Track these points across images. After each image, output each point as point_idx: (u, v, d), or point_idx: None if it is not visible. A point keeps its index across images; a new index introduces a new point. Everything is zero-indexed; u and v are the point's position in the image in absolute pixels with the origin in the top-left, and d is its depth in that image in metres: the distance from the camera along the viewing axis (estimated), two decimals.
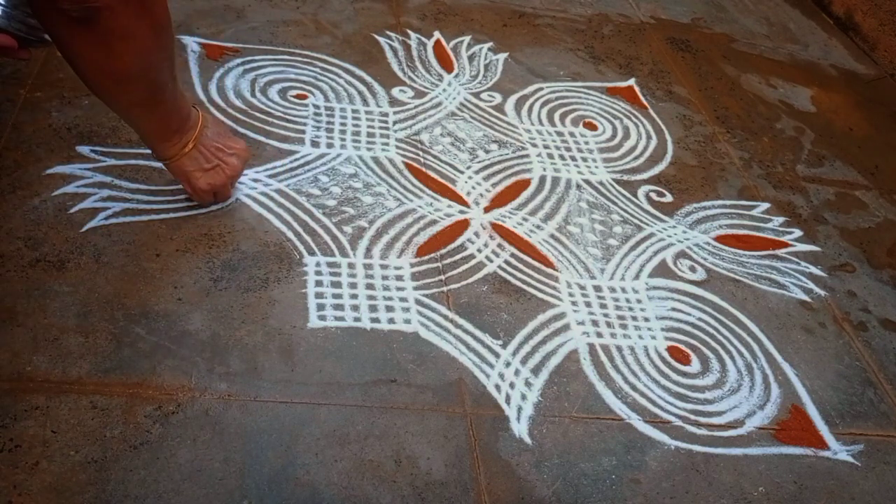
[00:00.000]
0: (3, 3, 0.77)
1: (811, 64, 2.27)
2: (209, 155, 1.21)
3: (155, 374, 1.07)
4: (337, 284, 1.26)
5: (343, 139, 1.54)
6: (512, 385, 1.18)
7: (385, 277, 1.29)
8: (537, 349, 1.24)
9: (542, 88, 1.85)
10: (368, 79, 1.71)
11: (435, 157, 1.56)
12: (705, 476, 1.13)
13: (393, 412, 1.11)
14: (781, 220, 1.65)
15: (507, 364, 1.21)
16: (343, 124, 1.58)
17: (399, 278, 1.29)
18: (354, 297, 1.24)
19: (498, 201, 1.50)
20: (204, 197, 1.26)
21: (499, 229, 1.43)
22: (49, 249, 1.19)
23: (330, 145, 1.52)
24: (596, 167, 1.65)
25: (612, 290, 1.38)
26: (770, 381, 1.30)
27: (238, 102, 1.55)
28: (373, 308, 1.23)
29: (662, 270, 1.44)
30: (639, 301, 1.37)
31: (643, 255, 1.46)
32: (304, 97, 1.61)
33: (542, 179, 1.58)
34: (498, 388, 1.17)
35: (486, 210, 1.47)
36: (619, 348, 1.28)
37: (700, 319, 1.37)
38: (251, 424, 1.04)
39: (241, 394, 1.08)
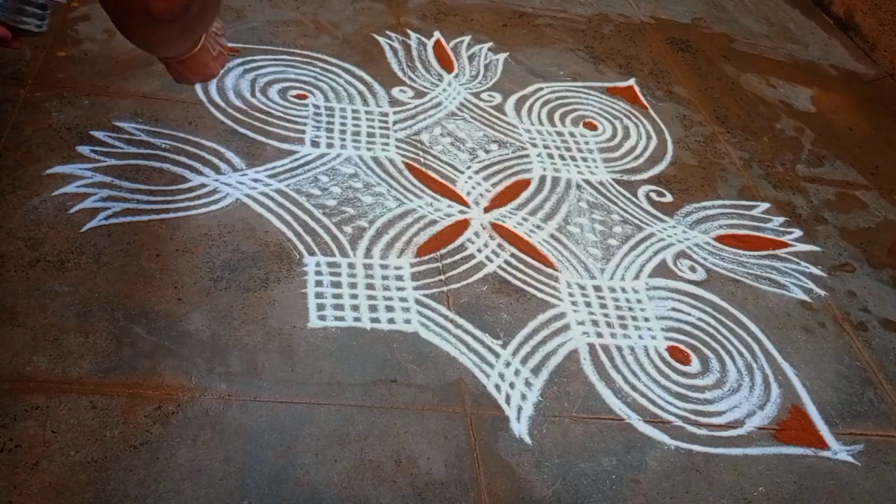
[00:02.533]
0: None
1: (811, 64, 2.27)
2: (213, 42, 1.25)
3: (155, 374, 1.07)
4: (337, 284, 1.26)
5: (343, 139, 1.54)
6: (512, 385, 1.18)
7: (385, 277, 1.29)
8: (537, 349, 1.24)
9: (542, 88, 1.85)
10: (368, 79, 1.71)
11: (435, 157, 1.56)
12: (705, 476, 1.13)
13: (393, 412, 1.11)
14: (781, 220, 1.65)
15: (507, 364, 1.21)
16: (343, 124, 1.58)
17: (399, 278, 1.29)
18: (354, 297, 1.24)
19: (498, 201, 1.50)
20: (211, 77, 1.26)
21: (499, 229, 1.43)
22: (49, 249, 1.19)
23: (330, 145, 1.52)
24: (596, 167, 1.65)
25: (612, 290, 1.38)
26: (770, 381, 1.30)
27: (238, 102, 1.55)
28: (373, 308, 1.23)
29: (662, 270, 1.44)
30: (639, 301, 1.37)
31: (643, 255, 1.46)
32: (304, 97, 1.61)
33: (542, 179, 1.58)
34: (498, 388, 1.17)
35: (486, 210, 1.47)
36: (619, 348, 1.28)
37: (700, 319, 1.37)
38: (251, 424, 1.04)
39: (241, 394, 1.08)
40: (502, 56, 1.91)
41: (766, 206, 1.67)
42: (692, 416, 1.21)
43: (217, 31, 1.27)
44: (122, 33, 0.98)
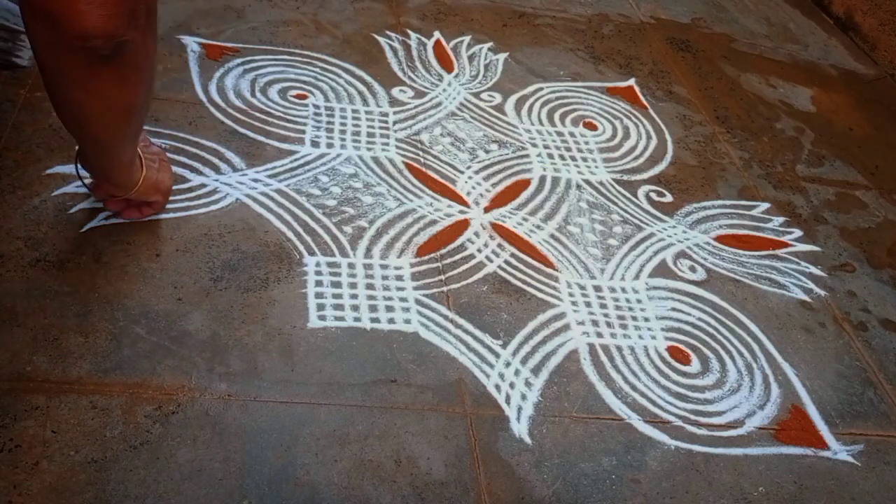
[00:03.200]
0: None
1: (811, 64, 2.27)
2: (151, 155, 1.18)
3: (155, 374, 1.07)
4: (337, 284, 1.26)
5: (343, 139, 1.54)
6: (512, 385, 1.18)
7: (385, 277, 1.29)
8: (537, 349, 1.24)
9: (542, 88, 1.85)
10: (368, 79, 1.71)
11: (435, 157, 1.56)
12: (705, 476, 1.13)
13: (393, 412, 1.11)
14: (781, 220, 1.65)
15: (507, 364, 1.21)
16: (343, 124, 1.58)
17: (399, 278, 1.29)
18: (354, 297, 1.24)
19: (498, 201, 1.50)
20: (169, 191, 1.25)
21: (499, 229, 1.43)
22: (49, 249, 1.19)
23: (330, 145, 1.52)
24: (596, 167, 1.65)
25: (612, 290, 1.38)
26: (770, 381, 1.30)
27: (238, 102, 1.55)
28: (373, 308, 1.23)
29: (662, 270, 1.44)
30: (639, 301, 1.37)
31: (643, 255, 1.46)
32: (304, 97, 1.62)
33: (542, 179, 1.58)
34: (498, 388, 1.17)
35: (486, 210, 1.47)
36: (619, 348, 1.28)
37: (700, 319, 1.37)
38: (251, 424, 1.04)
39: (241, 394, 1.08)
40: (502, 56, 1.91)
41: (766, 206, 1.67)
42: (692, 416, 1.21)
43: (144, 143, 1.18)
44: (49, 84, 0.86)
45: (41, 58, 0.85)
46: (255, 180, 1.40)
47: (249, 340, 1.14)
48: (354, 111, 1.62)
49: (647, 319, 1.34)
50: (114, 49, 0.82)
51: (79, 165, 1.13)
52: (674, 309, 1.37)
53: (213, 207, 1.32)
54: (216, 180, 1.37)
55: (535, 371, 1.21)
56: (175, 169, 1.36)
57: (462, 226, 1.42)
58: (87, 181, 1.19)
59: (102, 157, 1.05)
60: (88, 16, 0.77)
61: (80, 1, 0.77)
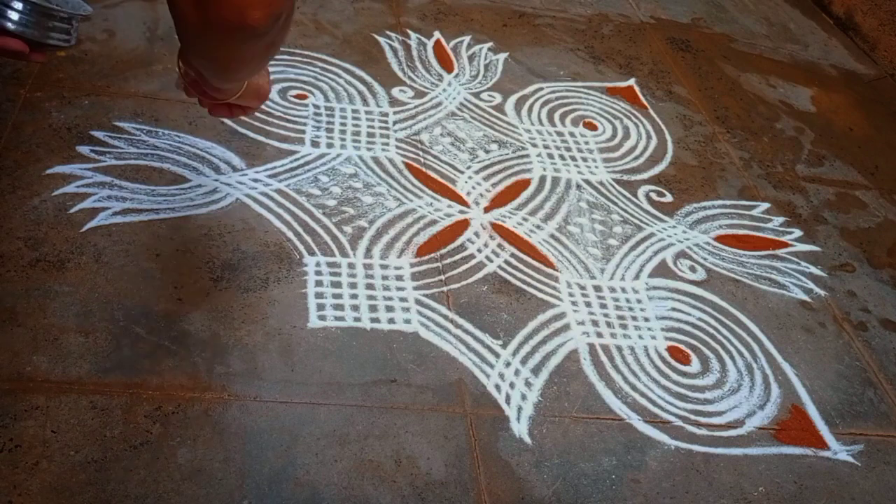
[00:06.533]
0: (20, 9, 0.77)
1: (811, 64, 2.27)
2: None
3: (155, 374, 1.07)
4: (337, 284, 1.26)
5: (343, 139, 1.54)
6: (512, 385, 1.18)
7: (385, 277, 1.29)
8: (537, 349, 1.24)
9: (542, 88, 1.84)
10: (368, 79, 1.71)
11: (435, 157, 1.56)
12: (705, 476, 1.13)
13: (393, 412, 1.11)
14: (781, 220, 1.65)
15: (507, 364, 1.21)
16: (343, 124, 1.57)
17: (399, 278, 1.29)
18: (354, 297, 1.24)
19: (498, 201, 1.50)
20: (267, 96, 1.21)
21: (499, 229, 1.43)
22: (49, 249, 1.19)
23: (330, 145, 1.52)
24: (596, 167, 1.65)
25: (612, 290, 1.38)
26: (770, 381, 1.30)
27: None
28: (373, 308, 1.23)
29: (662, 270, 1.44)
30: (639, 301, 1.37)
31: (643, 255, 1.46)
32: (304, 97, 1.61)
33: (542, 179, 1.58)
34: (498, 388, 1.17)
35: (486, 210, 1.47)
36: (619, 348, 1.28)
37: (700, 319, 1.37)
38: (251, 424, 1.04)
39: (241, 394, 1.08)
40: (502, 56, 1.91)
41: (766, 206, 1.67)
42: (692, 416, 1.21)
43: None
44: (198, 56, 0.88)
45: (194, 35, 0.83)
46: (255, 180, 1.40)
47: (249, 340, 1.14)
48: (354, 111, 1.62)
49: (647, 319, 1.34)
50: (270, 26, 0.79)
51: (180, 64, 1.08)
52: (674, 309, 1.37)
53: (213, 207, 1.32)
54: (216, 180, 1.37)
55: (535, 371, 1.21)
56: (175, 169, 1.36)
57: (462, 226, 1.42)
58: (184, 78, 1.16)
59: (267, 57, 1.02)
60: (252, 14, 0.76)
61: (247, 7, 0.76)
